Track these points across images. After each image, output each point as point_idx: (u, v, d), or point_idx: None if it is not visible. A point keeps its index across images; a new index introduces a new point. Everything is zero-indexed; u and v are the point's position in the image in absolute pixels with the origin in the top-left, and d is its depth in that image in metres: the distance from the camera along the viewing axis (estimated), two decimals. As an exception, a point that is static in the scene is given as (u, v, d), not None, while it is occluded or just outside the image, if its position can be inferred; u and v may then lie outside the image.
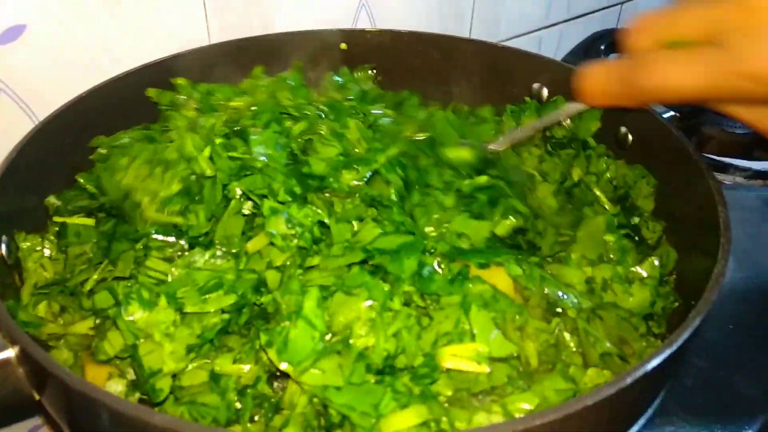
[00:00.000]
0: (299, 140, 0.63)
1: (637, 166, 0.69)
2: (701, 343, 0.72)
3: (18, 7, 0.65)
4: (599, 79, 0.51)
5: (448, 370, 0.46)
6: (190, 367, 0.47)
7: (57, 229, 0.60)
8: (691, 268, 0.58)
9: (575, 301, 0.54)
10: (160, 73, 0.73)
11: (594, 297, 0.56)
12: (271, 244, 0.52)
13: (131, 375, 0.49)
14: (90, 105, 0.66)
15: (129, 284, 0.49)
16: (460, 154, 0.65)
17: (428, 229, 0.58)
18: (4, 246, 0.55)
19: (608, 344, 0.50)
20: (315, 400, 0.44)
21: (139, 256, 0.53)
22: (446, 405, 0.45)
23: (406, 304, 0.49)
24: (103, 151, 0.66)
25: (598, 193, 0.67)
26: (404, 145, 0.63)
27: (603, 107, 0.62)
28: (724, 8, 0.42)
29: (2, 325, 0.44)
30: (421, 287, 0.50)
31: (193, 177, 0.56)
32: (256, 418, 0.47)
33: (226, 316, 0.48)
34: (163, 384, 0.45)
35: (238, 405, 0.46)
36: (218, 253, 0.52)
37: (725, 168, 0.99)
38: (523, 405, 0.44)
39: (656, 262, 0.58)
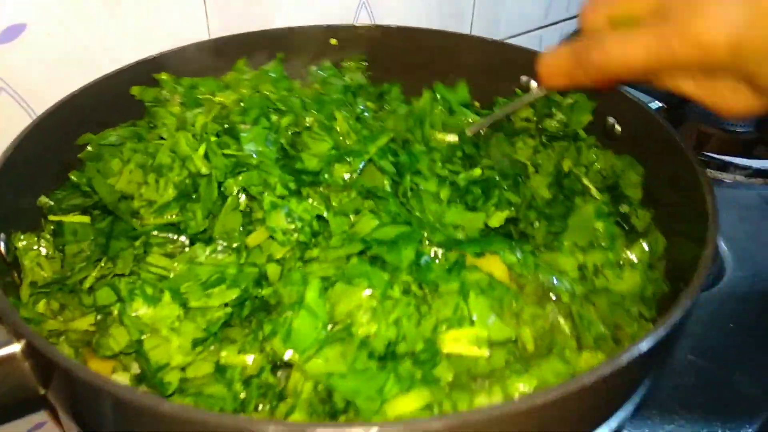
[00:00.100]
0: (287, 134, 0.64)
1: (625, 156, 0.70)
2: (701, 343, 0.73)
3: (18, 6, 0.65)
4: (557, 61, 0.52)
5: (449, 355, 0.47)
6: (196, 359, 0.47)
7: (53, 227, 0.60)
8: (680, 254, 0.59)
9: (569, 287, 0.55)
10: (152, 69, 0.73)
11: (587, 283, 0.57)
12: (271, 238, 0.53)
13: (135, 369, 0.49)
14: (83, 102, 0.66)
15: (132, 280, 0.50)
16: (447, 137, 0.66)
17: (425, 232, 0.59)
18: (2, 243, 0.55)
19: (602, 327, 0.52)
20: (320, 387, 0.45)
21: (139, 253, 0.54)
22: (447, 389, 0.46)
23: (405, 292, 0.50)
24: (91, 149, 0.66)
25: (587, 183, 0.69)
26: (392, 132, 0.64)
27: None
28: None
29: (7, 320, 0.44)
30: (419, 277, 0.52)
31: (188, 180, 0.57)
32: (260, 407, 0.47)
33: (228, 309, 0.49)
34: (172, 377, 0.46)
35: (243, 395, 0.46)
36: (219, 248, 0.53)
37: (725, 166, 1.01)
38: (523, 387, 0.45)
39: (645, 246, 0.60)
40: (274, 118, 0.65)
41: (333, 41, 0.84)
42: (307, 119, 0.67)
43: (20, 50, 0.66)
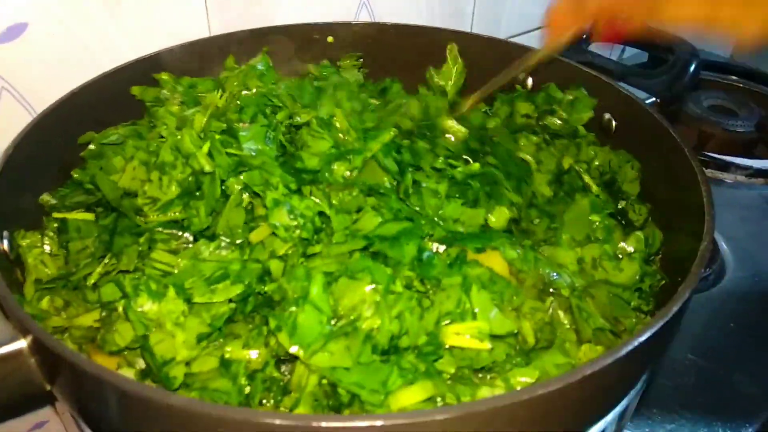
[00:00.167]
0: (283, 128, 0.64)
1: (621, 152, 0.71)
2: (702, 343, 0.74)
3: (19, 6, 0.65)
4: (559, 8, 0.53)
5: (451, 348, 0.48)
6: (201, 354, 0.48)
7: (56, 225, 0.60)
8: (677, 247, 0.60)
9: (568, 280, 0.56)
10: (151, 68, 0.74)
11: (586, 276, 0.58)
12: (274, 234, 0.53)
13: (140, 365, 0.50)
14: (83, 101, 0.67)
15: (137, 276, 0.50)
16: (456, 127, 0.67)
17: (423, 222, 0.59)
18: (5, 241, 0.56)
19: (601, 320, 0.53)
20: (324, 380, 0.45)
21: (143, 249, 0.54)
22: (450, 381, 0.47)
23: (408, 287, 0.51)
24: (93, 147, 0.66)
25: (588, 181, 0.69)
26: (394, 130, 0.64)
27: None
28: None
29: (13, 316, 0.45)
30: (422, 272, 0.52)
31: (191, 178, 0.57)
32: (265, 401, 0.48)
33: (232, 305, 0.50)
34: (177, 372, 0.46)
35: (248, 389, 0.47)
36: (222, 244, 0.53)
37: (726, 166, 1.01)
38: (524, 379, 0.46)
39: (641, 236, 0.60)
40: (270, 114, 0.65)
41: (330, 39, 0.84)
42: (304, 116, 0.67)
43: (21, 49, 0.67)
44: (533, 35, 1.22)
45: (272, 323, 0.45)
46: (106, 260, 0.56)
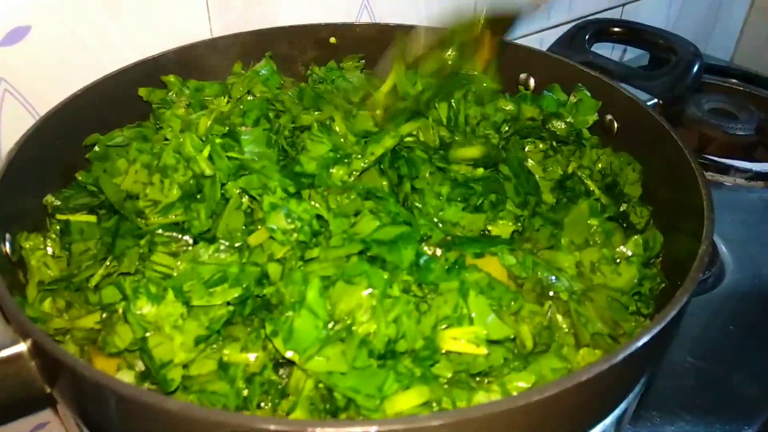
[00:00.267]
0: (287, 132, 0.64)
1: (623, 154, 0.71)
2: (701, 345, 0.74)
3: (22, 8, 0.66)
4: None
5: (448, 353, 0.48)
6: (199, 357, 0.48)
7: (59, 227, 0.61)
8: (678, 250, 0.60)
9: (567, 284, 0.56)
10: (153, 69, 0.74)
11: (584, 280, 0.58)
12: (272, 238, 0.54)
13: (139, 367, 0.50)
14: (85, 103, 0.67)
15: (136, 279, 0.51)
16: (469, 152, 0.66)
17: (422, 222, 0.59)
18: (8, 244, 0.56)
19: (599, 324, 0.53)
20: (321, 384, 0.46)
21: (144, 252, 0.55)
22: (446, 386, 0.47)
23: (405, 291, 0.51)
24: (98, 149, 0.67)
25: (590, 185, 0.68)
26: (397, 136, 0.64)
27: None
28: None
29: (14, 320, 0.45)
30: (420, 277, 0.52)
31: (192, 181, 0.57)
32: (263, 404, 0.48)
33: (231, 308, 0.50)
34: (175, 374, 0.46)
35: (246, 392, 0.47)
36: (221, 247, 0.53)
37: (726, 169, 1.01)
38: (521, 384, 0.46)
39: (640, 240, 0.60)
40: (271, 115, 0.65)
41: (332, 40, 0.84)
42: (306, 118, 0.67)
43: (25, 52, 0.67)
44: (534, 38, 1.21)
45: (268, 328, 0.46)
46: (108, 262, 0.56)
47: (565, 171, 0.70)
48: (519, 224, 0.62)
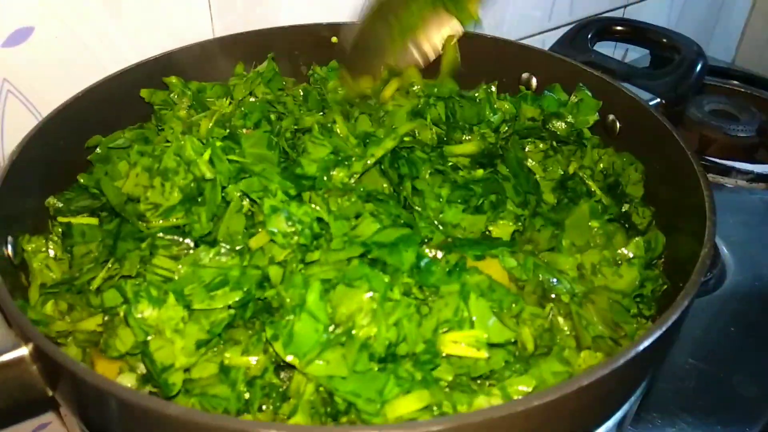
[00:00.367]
0: (288, 135, 0.64)
1: (625, 154, 0.71)
2: (702, 347, 0.74)
3: (25, 9, 0.66)
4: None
5: (449, 356, 0.48)
6: (200, 360, 0.48)
7: (61, 229, 0.61)
8: (679, 251, 0.60)
9: (568, 286, 0.55)
10: (156, 70, 0.74)
11: (585, 282, 0.58)
12: (272, 241, 0.54)
13: (141, 370, 0.50)
14: (87, 104, 0.67)
15: (137, 282, 0.51)
16: (465, 148, 0.66)
17: (423, 224, 0.59)
18: (10, 247, 0.56)
19: (601, 327, 0.52)
20: (321, 388, 0.46)
21: (145, 255, 0.55)
22: (447, 390, 0.47)
23: (406, 294, 0.51)
24: (100, 151, 0.67)
25: (593, 187, 0.68)
26: (397, 137, 0.64)
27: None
28: None
29: (15, 324, 0.45)
30: (420, 280, 0.52)
31: (193, 184, 0.57)
32: (264, 407, 0.48)
33: (232, 311, 0.50)
34: (176, 378, 0.46)
35: (247, 395, 0.47)
36: (222, 250, 0.53)
37: (728, 171, 1.01)
38: (522, 387, 0.46)
39: (641, 242, 0.60)
40: (273, 117, 0.65)
41: (334, 39, 0.84)
42: (308, 119, 0.67)
43: (27, 53, 0.67)
44: (536, 39, 1.21)
45: (269, 332, 0.46)
46: (110, 265, 0.56)
47: (566, 171, 0.69)
48: (519, 224, 0.62)
